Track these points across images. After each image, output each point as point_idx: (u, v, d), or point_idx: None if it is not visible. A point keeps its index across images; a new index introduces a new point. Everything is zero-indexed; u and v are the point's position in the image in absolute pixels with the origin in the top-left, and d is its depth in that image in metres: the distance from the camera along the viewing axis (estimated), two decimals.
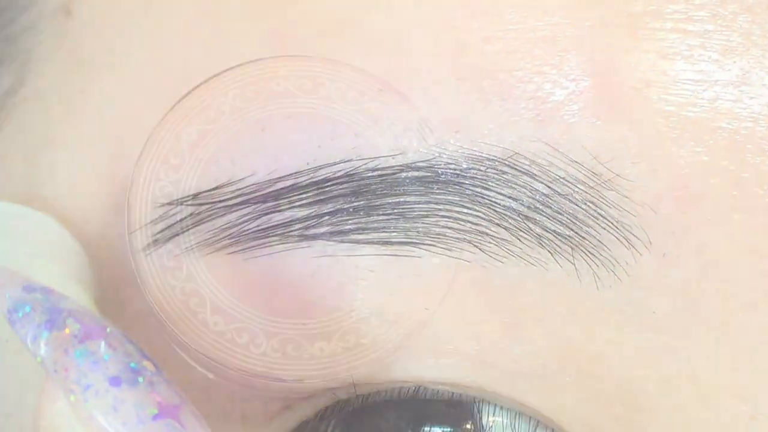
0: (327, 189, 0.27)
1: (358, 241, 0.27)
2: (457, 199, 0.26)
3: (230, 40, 0.28)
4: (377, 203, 0.27)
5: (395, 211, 0.26)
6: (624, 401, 0.27)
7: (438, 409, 0.28)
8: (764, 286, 0.26)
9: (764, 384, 0.26)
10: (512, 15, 0.26)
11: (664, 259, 0.26)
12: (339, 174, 0.27)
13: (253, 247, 0.28)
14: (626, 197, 0.26)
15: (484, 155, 0.26)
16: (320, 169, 0.27)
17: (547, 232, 0.26)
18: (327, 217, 0.27)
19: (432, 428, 0.28)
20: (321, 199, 0.27)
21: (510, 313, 0.27)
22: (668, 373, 0.27)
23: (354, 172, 0.27)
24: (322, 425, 0.29)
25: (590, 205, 0.26)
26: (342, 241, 0.27)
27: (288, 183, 0.28)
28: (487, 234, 0.26)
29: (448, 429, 0.28)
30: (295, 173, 0.27)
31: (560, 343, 0.27)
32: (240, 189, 0.28)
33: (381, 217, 0.27)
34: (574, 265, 0.26)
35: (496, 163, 0.26)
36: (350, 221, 0.27)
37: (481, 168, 0.26)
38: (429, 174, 0.26)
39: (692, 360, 0.26)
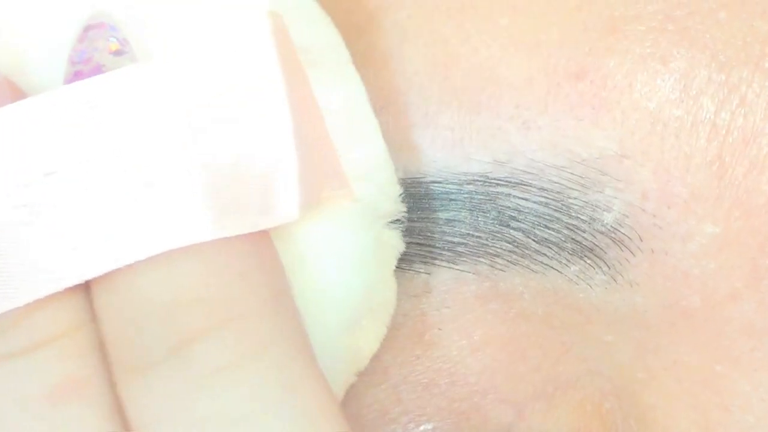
0: None
1: None
2: (458, 214, 0.27)
3: None
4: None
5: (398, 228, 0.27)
6: (615, 396, 0.27)
7: None
8: (746, 275, 0.27)
9: (743, 375, 0.27)
10: (499, 23, 0.27)
11: (652, 255, 0.27)
12: None
13: None
14: (616, 198, 0.27)
15: (476, 172, 0.27)
16: None
17: (546, 241, 0.27)
18: None
19: None
20: None
21: (513, 323, 0.27)
22: (655, 369, 0.27)
23: None
24: None
25: (582, 209, 0.27)
26: None
27: None
28: (488, 245, 0.27)
29: None
30: None
31: (559, 349, 0.27)
32: None
33: None
34: (570, 269, 0.27)
35: (490, 179, 0.27)
36: None
37: (477, 183, 0.27)
38: (430, 191, 0.27)
39: (677, 356, 0.27)
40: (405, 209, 0.26)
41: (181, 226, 0.23)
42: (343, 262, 0.25)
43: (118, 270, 0.23)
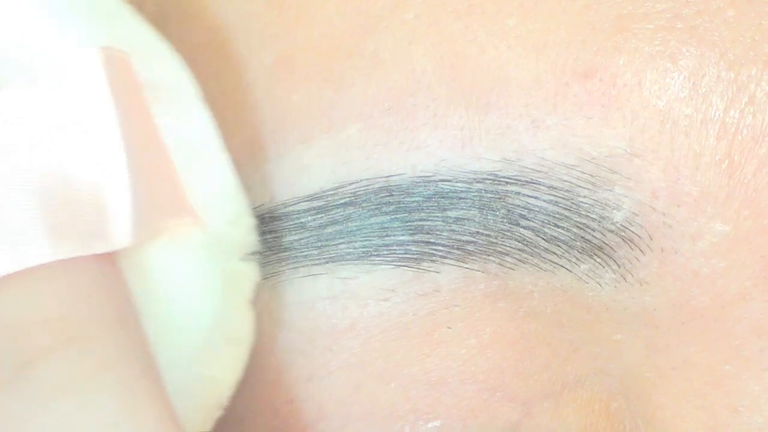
0: (339, 211, 0.27)
1: (375, 262, 0.27)
2: (467, 213, 0.27)
3: (237, 67, 0.29)
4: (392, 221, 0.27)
5: (409, 227, 0.27)
6: (623, 395, 0.27)
7: None
8: (756, 274, 0.27)
9: (753, 375, 0.27)
10: (506, 23, 0.27)
11: (662, 254, 0.27)
12: (348, 195, 0.27)
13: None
14: (626, 196, 0.27)
15: (485, 170, 0.27)
16: (338, 189, 0.27)
17: (555, 239, 0.27)
18: (342, 239, 0.27)
19: None
20: (335, 221, 0.28)
21: (522, 322, 0.27)
22: (664, 369, 0.27)
23: (363, 191, 0.27)
24: None
25: (592, 207, 0.27)
26: (358, 262, 0.27)
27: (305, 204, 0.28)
28: (498, 244, 0.27)
29: None
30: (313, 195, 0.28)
31: (568, 347, 0.27)
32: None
33: (398, 235, 0.27)
34: (580, 268, 0.27)
35: (499, 178, 0.27)
36: (366, 241, 0.27)
37: (486, 182, 0.27)
38: (439, 190, 0.27)
39: (686, 355, 0.27)
40: (258, 240, 0.27)
41: (18, 249, 0.23)
42: (190, 290, 0.26)
43: None
